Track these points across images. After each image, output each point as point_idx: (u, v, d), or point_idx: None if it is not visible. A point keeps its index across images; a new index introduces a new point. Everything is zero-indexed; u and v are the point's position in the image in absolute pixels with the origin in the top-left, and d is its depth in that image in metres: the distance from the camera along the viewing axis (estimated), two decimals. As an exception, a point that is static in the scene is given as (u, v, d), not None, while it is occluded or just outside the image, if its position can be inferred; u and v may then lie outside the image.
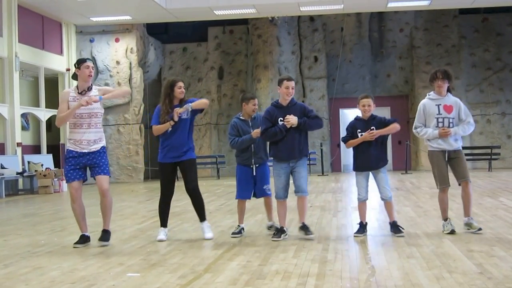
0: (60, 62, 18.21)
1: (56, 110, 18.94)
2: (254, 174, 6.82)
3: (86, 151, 6.39)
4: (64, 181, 15.51)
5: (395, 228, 6.56)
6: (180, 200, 11.17)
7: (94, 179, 6.49)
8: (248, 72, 21.61)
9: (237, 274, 4.83)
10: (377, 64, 21.93)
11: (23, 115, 17.24)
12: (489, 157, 18.92)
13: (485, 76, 20.92)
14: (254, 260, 5.37)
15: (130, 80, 19.53)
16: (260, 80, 20.43)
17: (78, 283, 4.70)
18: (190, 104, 6.52)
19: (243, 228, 6.94)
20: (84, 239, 6.48)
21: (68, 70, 18.41)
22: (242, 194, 6.89)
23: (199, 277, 4.76)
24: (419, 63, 21.01)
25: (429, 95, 6.73)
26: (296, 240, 6.43)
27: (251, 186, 6.86)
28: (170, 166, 6.65)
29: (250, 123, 6.84)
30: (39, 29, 17.15)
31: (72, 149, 6.42)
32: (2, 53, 15.25)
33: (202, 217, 6.80)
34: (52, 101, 18.24)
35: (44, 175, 15.05)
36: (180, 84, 6.63)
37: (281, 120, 6.45)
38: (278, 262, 5.24)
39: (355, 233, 6.65)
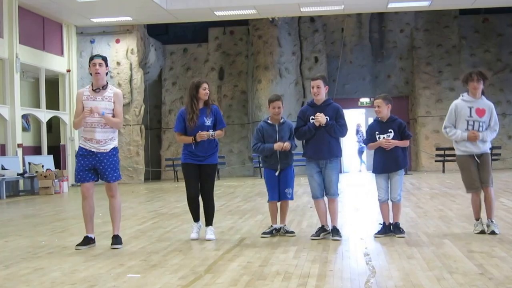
0: (60, 63, 18.22)
1: (57, 112, 18.94)
2: (277, 175, 6.78)
3: (95, 150, 6.32)
4: (65, 183, 15.64)
5: (396, 229, 6.56)
6: (180, 201, 11.19)
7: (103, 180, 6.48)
8: (249, 73, 21.61)
9: (237, 275, 4.83)
10: (378, 65, 21.93)
11: (24, 116, 17.24)
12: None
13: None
14: (255, 261, 5.37)
15: (130, 81, 19.54)
16: (261, 81, 20.44)
17: (79, 284, 4.70)
18: (214, 133, 6.59)
19: (275, 229, 6.88)
20: (87, 241, 6.44)
21: (68, 71, 18.43)
22: (274, 196, 6.83)
23: (200, 278, 4.76)
24: (419, 64, 21.01)
25: (462, 96, 6.62)
26: (296, 241, 6.43)
27: (278, 188, 6.83)
28: (192, 166, 6.67)
29: (277, 128, 6.76)
30: (40, 30, 17.16)
31: (82, 146, 6.38)
32: (3, 54, 15.25)
33: (208, 221, 6.82)
34: (53, 102, 18.28)
35: (45, 176, 15.05)
36: (205, 85, 6.67)
37: (312, 119, 6.46)
38: (278, 263, 5.24)
39: (375, 233, 6.61)
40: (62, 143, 18.37)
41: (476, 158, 6.51)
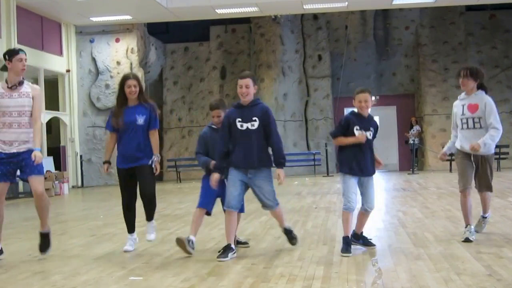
0: (60, 63, 18.13)
1: (57, 112, 18.75)
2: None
3: (15, 151, 5.84)
4: (65, 184, 15.58)
5: (364, 239, 5.94)
6: (183, 202, 11.12)
7: (25, 181, 5.95)
8: (251, 72, 21.51)
9: (241, 277, 4.76)
10: (383, 62, 21.80)
11: (24, 117, 17.16)
12: (498, 156, 18.69)
13: (493, 74, 20.70)
14: (259, 263, 5.28)
15: (132, 80, 19.42)
16: (264, 79, 20.32)
17: (80, 287, 4.65)
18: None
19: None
20: None
21: (68, 71, 18.35)
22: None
23: (203, 281, 4.69)
24: (425, 61, 20.86)
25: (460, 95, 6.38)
26: (301, 242, 6.32)
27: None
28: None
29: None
30: (39, 30, 17.06)
31: (0, 150, 5.85)
32: (1, 54, 15.16)
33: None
34: (52, 103, 18.20)
35: (45, 178, 14.90)
36: (130, 82, 6.18)
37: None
38: (283, 265, 5.16)
39: (341, 252, 5.64)
40: (62, 144, 18.27)
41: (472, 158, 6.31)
